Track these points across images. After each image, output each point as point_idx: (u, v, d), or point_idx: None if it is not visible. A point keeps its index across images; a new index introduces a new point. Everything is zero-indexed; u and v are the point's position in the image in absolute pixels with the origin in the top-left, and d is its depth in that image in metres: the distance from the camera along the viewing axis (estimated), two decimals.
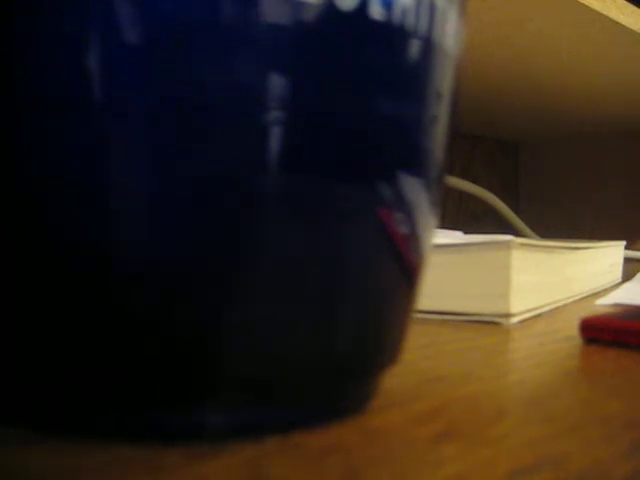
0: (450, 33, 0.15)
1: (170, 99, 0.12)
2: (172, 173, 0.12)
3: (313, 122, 0.13)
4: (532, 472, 0.12)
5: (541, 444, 0.14)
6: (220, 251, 0.12)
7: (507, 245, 0.31)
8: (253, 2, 0.12)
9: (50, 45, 0.12)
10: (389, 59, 0.13)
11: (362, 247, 0.14)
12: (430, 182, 0.15)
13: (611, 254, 0.50)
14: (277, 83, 0.12)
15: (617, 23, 0.45)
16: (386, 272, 0.14)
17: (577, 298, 0.41)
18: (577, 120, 0.79)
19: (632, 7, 0.45)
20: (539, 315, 0.34)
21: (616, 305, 0.37)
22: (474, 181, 0.87)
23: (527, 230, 0.66)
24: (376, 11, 0.13)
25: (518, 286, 0.31)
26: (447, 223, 0.80)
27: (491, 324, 0.30)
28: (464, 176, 0.85)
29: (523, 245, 0.32)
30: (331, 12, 0.12)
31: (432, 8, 0.14)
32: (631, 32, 0.46)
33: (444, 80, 0.15)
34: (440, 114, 0.15)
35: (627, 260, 0.63)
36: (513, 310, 0.31)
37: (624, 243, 0.55)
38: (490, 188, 0.89)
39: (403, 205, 0.14)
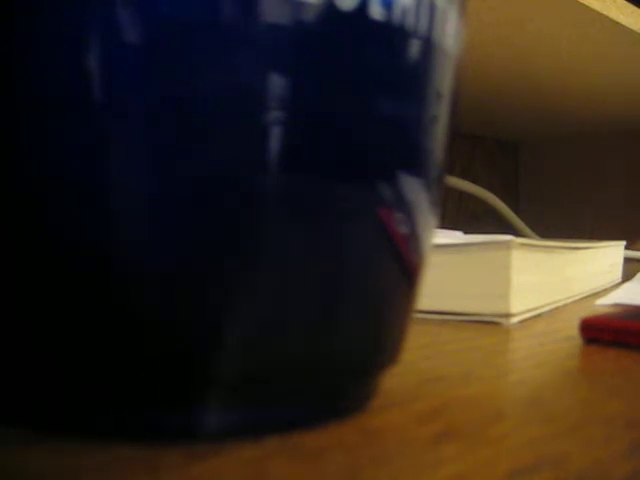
0: (450, 33, 0.15)
1: (170, 99, 0.12)
2: (172, 173, 0.12)
3: (313, 122, 0.13)
4: (532, 472, 0.12)
5: (541, 444, 0.14)
6: (220, 251, 0.12)
7: (507, 245, 0.31)
8: (253, 2, 0.12)
9: (50, 45, 0.12)
10: (389, 59, 0.13)
11: (362, 247, 0.14)
12: (430, 182, 0.15)
13: (611, 254, 0.50)
14: (277, 83, 0.12)
15: (617, 23, 0.45)
16: (386, 272, 0.14)
17: (577, 298, 0.41)
18: (577, 120, 0.79)
19: (632, 7, 0.45)
20: (539, 315, 0.34)
21: (616, 305, 0.37)
22: (474, 181, 0.87)
23: (527, 230, 0.66)
24: (376, 11, 0.13)
25: (518, 286, 0.31)
26: (447, 223, 0.80)
27: (491, 324, 0.30)
28: (464, 176, 0.85)
29: (523, 245, 0.32)
30: (331, 12, 0.12)
31: (432, 8, 0.14)
32: (631, 32, 0.46)
33: (444, 80, 0.15)
34: (440, 114, 0.15)
35: (627, 260, 0.63)
36: (513, 310, 0.31)
37: (624, 243, 0.55)
38: (490, 188, 0.90)
39: (403, 205, 0.14)
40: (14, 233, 0.12)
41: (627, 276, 0.54)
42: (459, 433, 0.14)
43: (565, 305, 0.38)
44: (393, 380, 0.19)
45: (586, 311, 0.35)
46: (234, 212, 0.12)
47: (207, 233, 0.12)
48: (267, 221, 0.12)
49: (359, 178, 0.13)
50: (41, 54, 0.12)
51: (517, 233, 0.65)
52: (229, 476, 0.12)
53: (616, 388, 0.19)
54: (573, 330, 0.29)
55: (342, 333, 0.14)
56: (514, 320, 0.31)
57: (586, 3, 0.41)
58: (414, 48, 0.14)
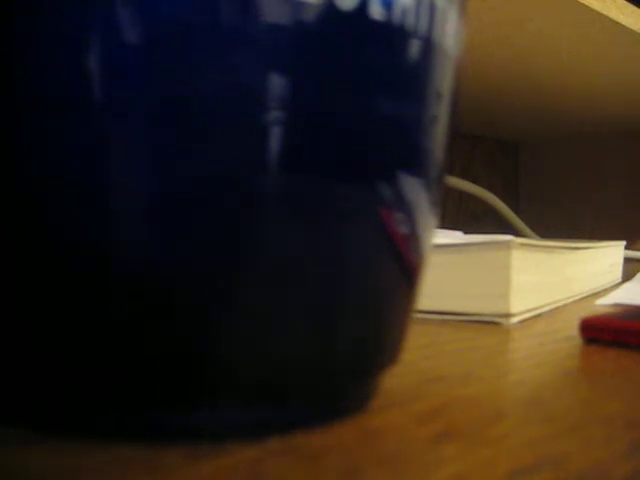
0: (450, 33, 0.15)
1: (170, 99, 0.12)
2: (172, 173, 0.12)
3: (313, 122, 0.13)
4: (532, 472, 0.12)
5: (541, 444, 0.14)
6: (220, 251, 0.12)
7: (507, 245, 0.31)
8: (253, 2, 0.12)
9: (50, 45, 0.12)
10: (389, 59, 0.13)
11: (362, 247, 0.14)
12: (430, 182, 0.15)
13: (611, 254, 0.50)
14: (277, 83, 0.12)
15: (617, 23, 0.45)
16: (386, 272, 0.14)
17: (577, 298, 0.41)
18: (577, 120, 0.79)
19: (632, 7, 0.45)
20: (539, 315, 0.34)
21: (616, 305, 0.37)
22: (474, 181, 0.87)
23: (527, 230, 0.66)
24: (376, 11, 0.13)
25: (518, 286, 0.31)
26: (447, 223, 0.80)
27: (491, 324, 0.30)
28: (464, 176, 0.85)
29: (523, 245, 0.32)
30: (331, 12, 0.12)
31: (432, 8, 0.14)
32: (631, 32, 0.46)
33: (444, 80, 0.15)
34: (440, 114, 0.15)
35: (627, 260, 0.63)
36: (513, 310, 0.31)
37: (624, 243, 0.55)
38: (490, 188, 0.89)
39: (403, 205, 0.14)
40: (14, 233, 0.12)
41: (627, 276, 0.54)
42: (459, 433, 0.14)
43: (565, 305, 0.38)
44: (393, 380, 0.19)
45: (586, 311, 0.35)
46: (234, 212, 0.12)
47: (207, 233, 0.12)
48: (267, 221, 0.12)
49: (359, 178, 0.13)
50: (41, 54, 0.12)
51: (517, 233, 0.65)
52: (229, 476, 0.12)
53: (616, 388, 0.19)
54: (573, 330, 0.29)
55: (342, 333, 0.14)
56: (514, 320, 0.31)
57: (586, 3, 0.41)
58: (414, 48, 0.14)
